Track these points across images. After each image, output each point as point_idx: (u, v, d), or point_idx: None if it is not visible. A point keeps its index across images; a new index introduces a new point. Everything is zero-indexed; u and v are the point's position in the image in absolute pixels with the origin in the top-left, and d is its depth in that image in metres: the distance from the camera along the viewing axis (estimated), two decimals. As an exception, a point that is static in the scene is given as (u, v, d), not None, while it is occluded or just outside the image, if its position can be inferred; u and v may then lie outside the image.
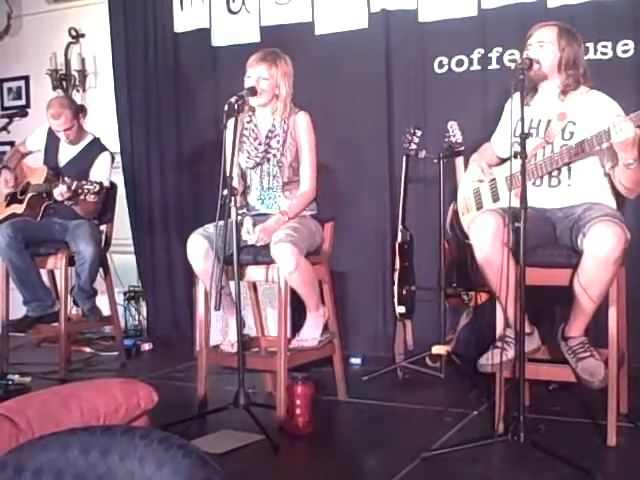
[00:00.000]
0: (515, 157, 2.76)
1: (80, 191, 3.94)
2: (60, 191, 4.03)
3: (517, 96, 2.92)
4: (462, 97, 4.29)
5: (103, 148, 4.44)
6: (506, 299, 2.89)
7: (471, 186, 3.36)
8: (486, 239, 2.86)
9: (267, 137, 3.43)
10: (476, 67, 4.30)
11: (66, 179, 4.03)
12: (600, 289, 2.79)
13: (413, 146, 3.92)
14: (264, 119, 3.46)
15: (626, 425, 3.03)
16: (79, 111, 4.38)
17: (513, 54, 4.15)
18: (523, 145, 2.74)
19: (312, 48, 4.56)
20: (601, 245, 2.72)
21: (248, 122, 3.48)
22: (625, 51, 3.97)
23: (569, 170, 3.04)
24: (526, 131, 3.07)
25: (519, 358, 2.78)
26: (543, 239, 2.97)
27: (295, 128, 3.41)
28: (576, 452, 2.73)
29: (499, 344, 2.95)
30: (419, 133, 3.92)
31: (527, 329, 2.98)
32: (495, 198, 3.25)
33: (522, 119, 2.77)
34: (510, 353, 2.94)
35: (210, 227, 3.29)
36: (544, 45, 3.04)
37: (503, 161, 3.34)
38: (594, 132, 2.88)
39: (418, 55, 4.44)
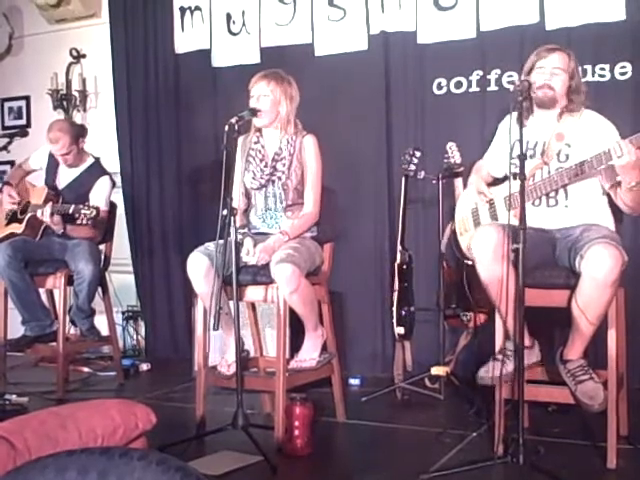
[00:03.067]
0: (515, 178, 2.77)
1: (77, 215, 3.95)
2: (42, 211, 4.06)
3: (514, 116, 2.94)
4: (461, 118, 4.32)
5: (103, 172, 4.44)
6: (506, 312, 2.89)
7: (469, 206, 3.37)
8: (488, 252, 2.86)
9: (273, 160, 3.44)
10: (475, 89, 4.33)
11: (58, 205, 4.07)
12: (598, 311, 2.79)
13: (412, 167, 3.93)
14: (271, 141, 3.47)
15: (626, 447, 3.01)
16: (79, 135, 4.37)
17: (512, 76, 4.18)
18: (522, 166, 2.75)
19: (312, 69, 4.58)
20: (599, 267, 2.72)
21: (255, 143, 3.49)
22: (623, 73, 3.99)
23: (565, 191, 3.05)
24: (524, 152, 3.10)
25: (518, 379, 2.77)
26: (543, 260, 2.97)
27: (302, 151, 3.41)
28: (576, 474, 2.72)
29: (499, 357, 2.94)
30: (418, 154, 3.93)
31: (527, 342, 2.99)
32: (494, 218, 3.25)
33: (521, 140, 2.79)
34: (510, 366, 2.93)
35: (211, 245, 3.27)
36: (559, 73, 3.03)
37: (497, 180, 3.35)
38: (591, 153, 2.89)
39: (417, 77, 4.47)
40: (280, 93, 3.37)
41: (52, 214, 4.09)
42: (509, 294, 2.80)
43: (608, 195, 3.07)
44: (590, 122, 3.07)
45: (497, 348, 3.03)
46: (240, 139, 3.36)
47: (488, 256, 2.86)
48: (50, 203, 4.15)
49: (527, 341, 2.99)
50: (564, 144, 3.06)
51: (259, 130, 3.48)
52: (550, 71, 3.03)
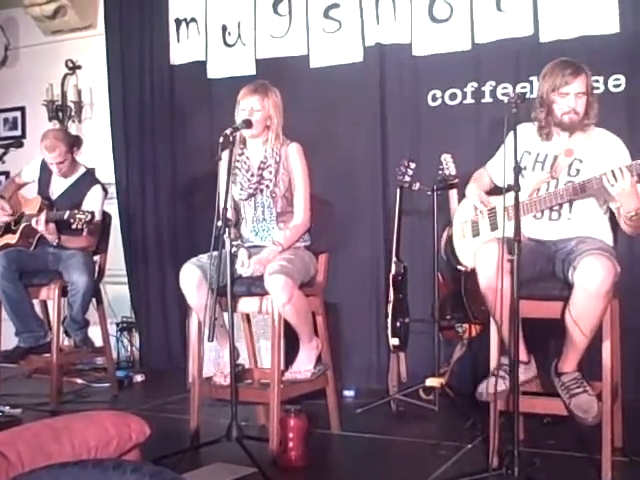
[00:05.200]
0: (508, 191, 2.78)
1: (73, 220, 3.95)
2: (37, 219, 4.06)
3: (528, 127, 3.07)
4: (456, 130, 4.33)
5: (95, 181, 4.45)
6: (501, 320, 2.89)
7: (470, 214, 3.37)
8: (491, 267, 2.85)
9: (259, 168, 3.45)
10: (469, 100, 4.35)
11: (52, 212, 4.06)
12: (591, 323, 2.80)
13: (407, 178, 3.94)
14: (256, 151, 3.48)
15: (621, 459, 3.01)
16: (73, 144, 4.39)
17: (506, 88, 4.21)
18: (516, 178, 2.76)
19: (307, 81, 4.60)
20: (590, 278, 2.73)
21: (240, 155, 3.49)
22: (616, 85, 4.01)
23: (570, 205, 3.06)
24: (531, 165, 3.12)
25: (513, 390, 2.77)
26: (541, 272, 2.98)
27: (287, 159, 3.43)
28: (571, 487, 2.71)
29: (496, 372, 2.94)
30: (413, 165, 3.94)
31: (524, 357, 3.00)
32: (493, 227, 3.25)
33: (515, 151, 2.79)
34: (508, 382, 2.92)
35: (203, 257, 3.29)
36: (582, 96, 3.02)
37: (497, 188, 3.35)
38: (601, 170, 2.89)
39: (412, 88, 4.49)
40: (272, 107, 3.39)
41: (47, 222, 4.09)
42: (504, 304, 2.81)
43: (610, 210, 3.08)
44: (601, 140, 3.08)
45: (492, 363, 3.02)
46: (225, 153, 3.34)
47: (491, 270, 2.85)
48: (44, 211, 4.15)
49: (524, 356, 3.00)
50: (574, 159, 3.07)
51: (243, 142, 3.49)
52: (574, 97, 3.01)
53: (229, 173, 3.17)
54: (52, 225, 4.13)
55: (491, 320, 3.01)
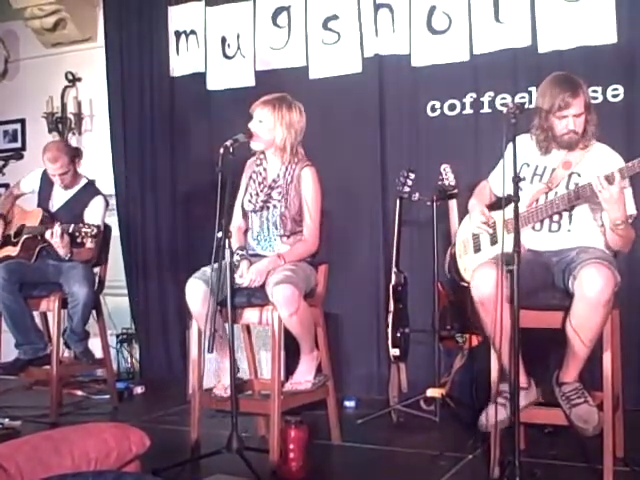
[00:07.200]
0: (508, 202, 2.79)
1: (77, 234, 3.95)
2: (52, 231, 4.04)
3: (527, 139, 3.09)
4: (455, 140, 4.34)
5: (96, 192, 4.45)
6: (500, 349, 2.88)
7: (470, 229, 3.36)
8: (487, 290, 2.85)
9: (270, 187, 3.43)
10: (468, 111, 4.36)
11: (62, 225, 4.05)
12: (592, 332, 2.79)
13: (407, 189, 3.94)
14: (273, 166, 3.45)
15: (622, 469, 3.00)
16: (75, 156, 4.39)
17: (505, 98, 4.22)
18: (516, 189, 2.76)
19: (306, 92, 4.59)
20: (590, 287, 2.73)
21: (257, 165, 3.49)
22: (615, 95, 4.03)
23: (570, 216, 3.06)
24: (529, 177, 3.13)
25: (513, 401, 2.77)
26: (541, 283, 2.98)
27: (299, 182, 3.39)
28: (572, 497, 2.70)
29: (499, 400, 2.92)
30: (412, 176, 3.95)
31: (524, 383, 2.97)
32: (494, 241, 3.25)
33: (514, 162, 2.79)
34: (509, 409, 2.90)
35: (208, 270, 3.25)
36: (580, 116, 3.03)
37: (499, 199, 3.35)
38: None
39: (411, 99, 4.50)
40: (275, 120, 3.33)
41: (62, 234, 4.06)
42: (504, 331, 2.80)
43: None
44: (599, 154, 3.08)
45: (493, 388, 3.00)
46: (249, 161, 3.37)
47: (487, 294, 2.85)
48: (59, 223, 4.11)
49: (524, 382, 2.97)
50: (572, 172, 3.08)
51: (263, 153, 3.48)
52: (572, 118, 3.02)
53: (226, 184, 3.15)
54: (67, 238, 4.09)
55: (491, 349, 3.00)
